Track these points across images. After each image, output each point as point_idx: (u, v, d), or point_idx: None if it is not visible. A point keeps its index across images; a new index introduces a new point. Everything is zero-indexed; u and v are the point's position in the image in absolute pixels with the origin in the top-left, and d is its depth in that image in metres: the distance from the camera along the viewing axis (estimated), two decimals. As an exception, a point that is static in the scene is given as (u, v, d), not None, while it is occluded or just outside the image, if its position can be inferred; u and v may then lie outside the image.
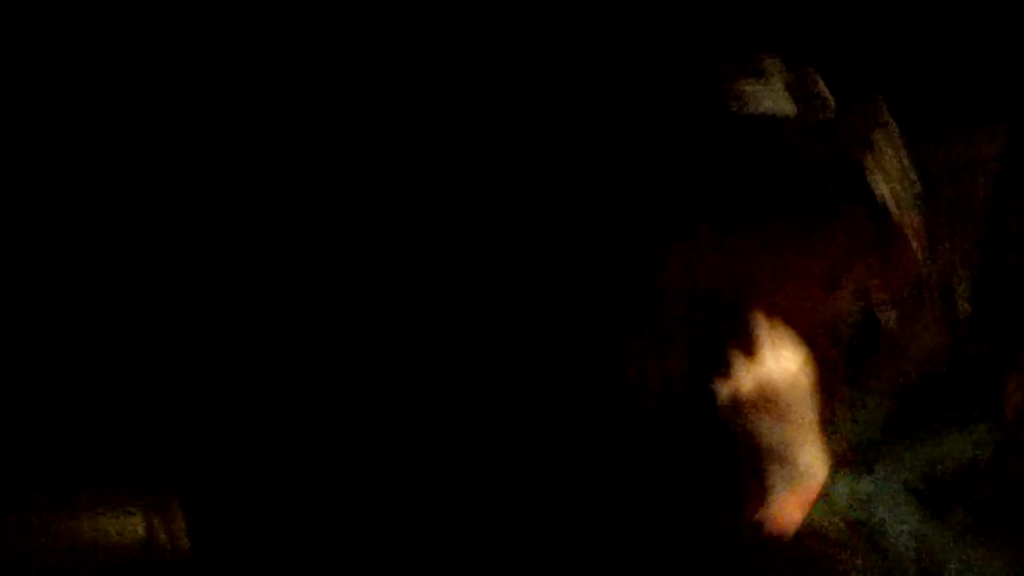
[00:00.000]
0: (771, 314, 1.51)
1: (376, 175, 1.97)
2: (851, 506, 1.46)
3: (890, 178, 1.59)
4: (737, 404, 1.48)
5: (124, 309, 1.87)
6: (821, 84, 1.58)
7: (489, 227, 1.91)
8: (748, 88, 1.55)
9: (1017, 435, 1.57)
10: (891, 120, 1.62)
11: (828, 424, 1.51)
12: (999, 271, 1.66)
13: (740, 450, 1.47)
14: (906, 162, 1.62)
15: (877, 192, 1.56)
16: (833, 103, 1.57)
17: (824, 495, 1.45)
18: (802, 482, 1.46)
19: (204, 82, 1.94)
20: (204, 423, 1.86)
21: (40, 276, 1.87)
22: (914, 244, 1.60)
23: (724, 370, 1.50)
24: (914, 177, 1.62)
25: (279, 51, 1.96)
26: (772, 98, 1.55)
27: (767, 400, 1.47)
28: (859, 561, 1.45)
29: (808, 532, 1.45)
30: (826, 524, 1.46)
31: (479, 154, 1.93)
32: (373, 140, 1.96)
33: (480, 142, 1.93)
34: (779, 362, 1.49)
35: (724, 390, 1.49)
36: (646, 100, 1.63)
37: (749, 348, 1.50)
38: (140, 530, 1.78)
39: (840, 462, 1.48)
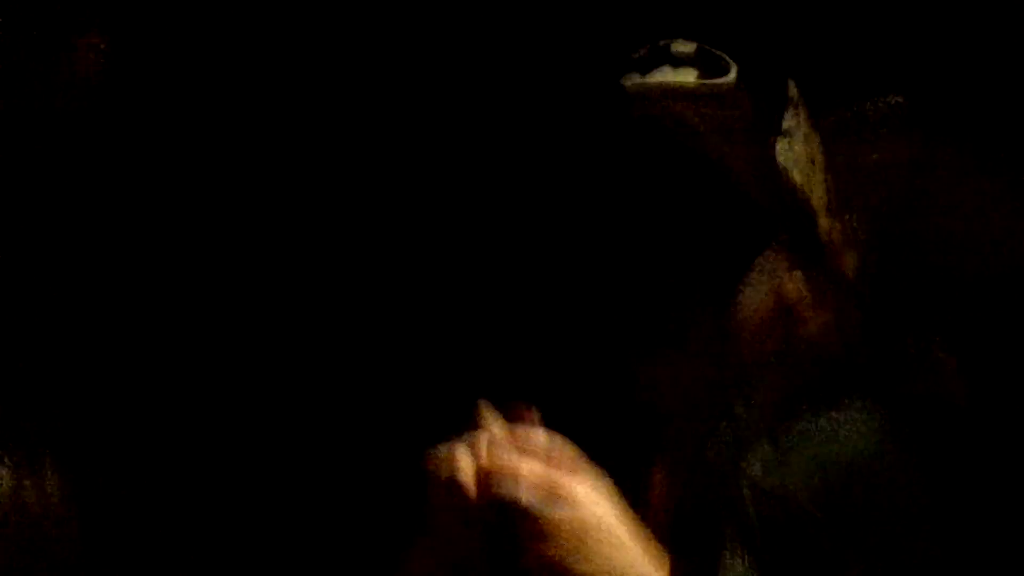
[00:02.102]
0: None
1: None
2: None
3: (802, 167, 1.58)
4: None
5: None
6: (726, 58, 1.59)
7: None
8: (656, 64, 1.58)
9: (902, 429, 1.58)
10: (799, 97, 1.61)
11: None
12: (899, 271, 1.68)
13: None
14: (817, 152, 1.61)
15: (791, 178, 1.56)
16: (734, 70, 1.58)
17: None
18: None
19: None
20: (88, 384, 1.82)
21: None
22: (833, 242, 1.59)
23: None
24: (822, 154, 1.61)
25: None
26: (675, 74, 1.58)
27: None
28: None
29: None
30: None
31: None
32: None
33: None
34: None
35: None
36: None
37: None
38: (6, 487, 1.72)
39: None
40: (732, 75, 1.58)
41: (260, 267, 1.97)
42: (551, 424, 1.43)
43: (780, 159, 1.56)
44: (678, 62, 1.59)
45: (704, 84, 1.57)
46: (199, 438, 1.87)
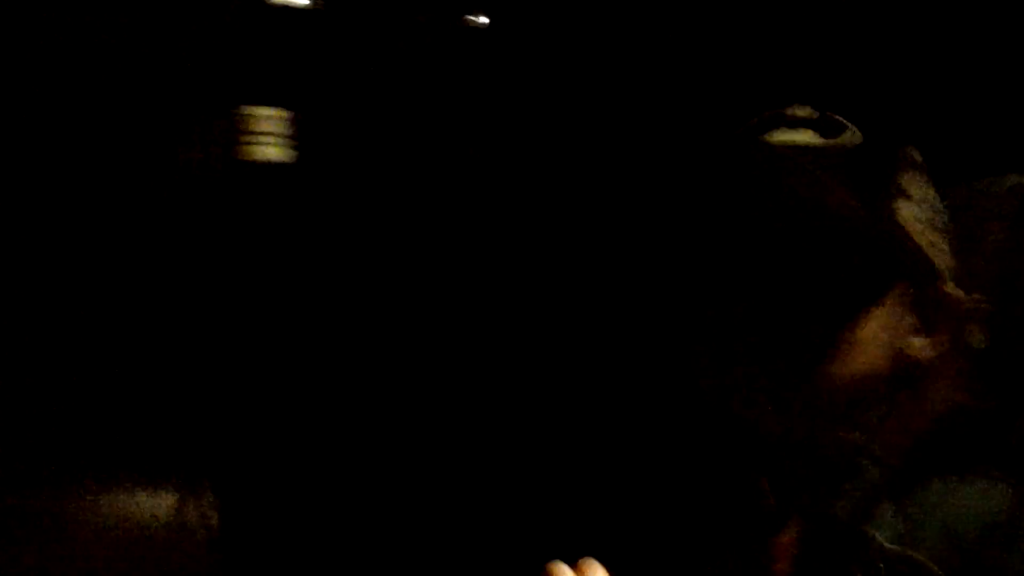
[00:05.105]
0: None
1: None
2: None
3: (924, 229, 1.61)
4: None
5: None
6: (844, 121, 1.64)
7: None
8: (773, 127, 1.64)
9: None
10: (922, 163, 1.65)
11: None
12: (1007, 325, 1.67)
13: None
14: (941, 219, 1.64)
15: (912, 238, 1.59)
16: (858, 133, 1.63)
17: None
18: None
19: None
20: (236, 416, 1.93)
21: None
22: (960, 312, 1.61)
23: None
24: (946, 222, 1.64)
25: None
26: (794, 133, 1.63)
27: None
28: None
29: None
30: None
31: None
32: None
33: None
34: None
35: None
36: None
37: None
38: (171, 507, 1.86)
39: None
40: (850, 135, 1.62)
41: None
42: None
43: (900, 219, 1.59)
44: (796, 123, 1.63)
45: (824, 142, 1.61)
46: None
